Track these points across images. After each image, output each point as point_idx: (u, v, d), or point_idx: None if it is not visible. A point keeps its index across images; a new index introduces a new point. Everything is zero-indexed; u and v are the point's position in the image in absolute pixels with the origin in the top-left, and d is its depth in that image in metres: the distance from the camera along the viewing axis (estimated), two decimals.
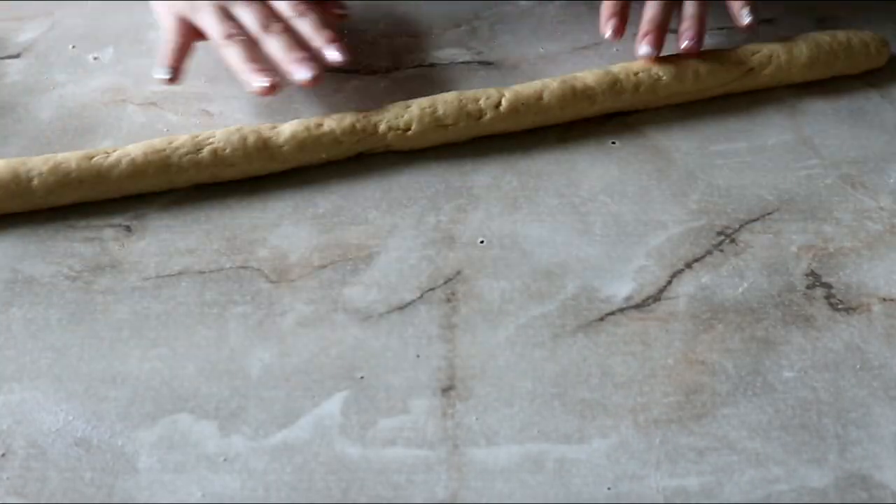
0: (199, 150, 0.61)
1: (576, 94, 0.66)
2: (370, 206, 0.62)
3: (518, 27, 0.76)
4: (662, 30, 0.68)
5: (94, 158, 0.60)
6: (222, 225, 0.60)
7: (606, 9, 0.69)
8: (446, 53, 0.73)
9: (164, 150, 0.61)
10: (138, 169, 0.60)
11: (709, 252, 0.59)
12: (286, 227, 0.60)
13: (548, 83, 0.66)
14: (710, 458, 0.49)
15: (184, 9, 0.68)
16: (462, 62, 0.72)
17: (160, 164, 0.60)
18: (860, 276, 0.58)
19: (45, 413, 0.51)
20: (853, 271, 0.58)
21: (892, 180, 0.64)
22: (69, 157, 0.60)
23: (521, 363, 0.53)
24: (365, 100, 0.68)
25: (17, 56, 0.74)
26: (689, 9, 0.69)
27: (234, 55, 0.65)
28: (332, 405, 0.52)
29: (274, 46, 0.65)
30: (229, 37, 0.66)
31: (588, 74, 0.67)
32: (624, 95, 0.67)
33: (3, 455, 0.49)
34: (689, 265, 0.59)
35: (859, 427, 0.51)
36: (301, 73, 0.63)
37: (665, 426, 0.51)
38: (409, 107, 0.64)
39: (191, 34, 0.67)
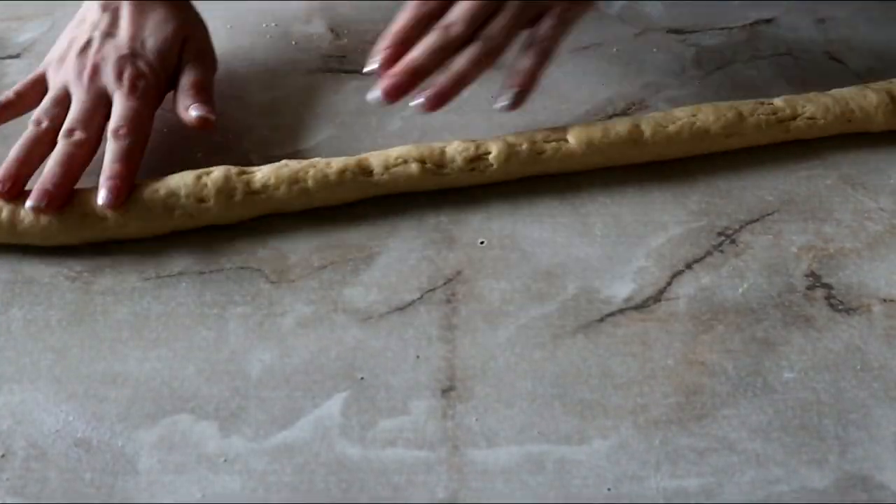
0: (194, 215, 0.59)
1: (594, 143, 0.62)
2: (370, 205, 0.62)
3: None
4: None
5: (89, 234, 0.58)
6: (222, 225, 0.60)
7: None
8: None
9: (158, 221, 0.58)
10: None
11: (709, 253, 0.59)
12: (286, 227, 0.60)
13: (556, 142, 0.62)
14: (711, 458, 0.49)
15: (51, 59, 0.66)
16: None
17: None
18: (860, 276, 0.58)
19: (45, 413, 0.51)
20: (853, 272, 0.58)
21: (892, 181, 0.64)
22: (65, 233, 0.58)
23: (521, 364, 0.53)
24: (365, 100, 0.68)
25: (17, 56, 0.74)
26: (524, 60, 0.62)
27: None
28: (332, 406, 0.52)
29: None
30: (37, 123, 0.61)
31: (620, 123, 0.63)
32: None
33: (3, 455, 0.49)
34: (689, 266, 0.58)
35: (860, 428, 0.51)
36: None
37: (665, 427, 0.51)
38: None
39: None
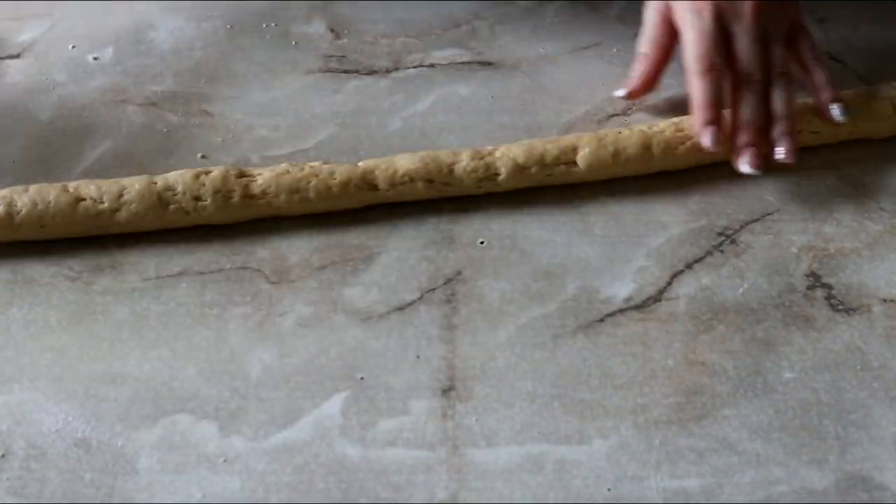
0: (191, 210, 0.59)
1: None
2: (370, 207, 0.61)
3: (518, 27, 0.76)
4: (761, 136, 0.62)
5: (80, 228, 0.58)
6: (222, 225, 0.60)
7: (701, 113, 0.62)
8: (446, 53, 0.73)
9: (152, 214, 0.58)
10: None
11: (709, 253, 0.59)
12: (286, 227, 0.60)
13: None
14: (711, 459, 0.49)
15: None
16: (462, 62, 0.72)
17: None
18: (860, 276, 0.58)
19: (44, 413, 0.51)
20: (853, 272, 0.58)
21: (892, 181, 0.64)
22: (61, 227, 0.58)
23: (522, 364, 0.53)
24: (365, 100, 0.68)
25: (17, 56, 0.74)
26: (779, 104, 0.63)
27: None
28: (332, 406, 0.52)
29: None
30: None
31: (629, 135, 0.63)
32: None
33: (3, 456, 0.49)
34: (689, 266, 0.58)
35: (860, 428, 0.51)
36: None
37: (665, 427, 0.51)
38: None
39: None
